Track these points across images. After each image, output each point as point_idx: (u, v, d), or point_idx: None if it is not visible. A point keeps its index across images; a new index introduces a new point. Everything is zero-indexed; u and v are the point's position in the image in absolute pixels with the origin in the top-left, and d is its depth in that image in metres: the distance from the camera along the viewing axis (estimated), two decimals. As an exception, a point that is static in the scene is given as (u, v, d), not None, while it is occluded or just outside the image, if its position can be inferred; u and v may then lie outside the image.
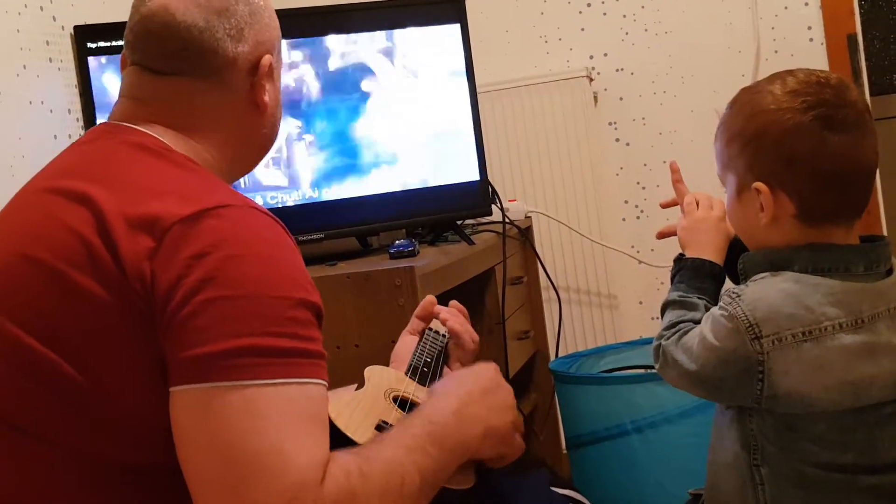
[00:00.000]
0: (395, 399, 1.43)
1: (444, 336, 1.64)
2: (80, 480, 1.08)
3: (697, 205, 1.57)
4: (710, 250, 1.50)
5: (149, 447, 1.07)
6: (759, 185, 1.36)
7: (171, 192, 1.11)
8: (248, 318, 1.03)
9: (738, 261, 1.42)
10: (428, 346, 1.59)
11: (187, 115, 1.26)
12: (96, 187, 1.12)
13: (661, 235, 1.66)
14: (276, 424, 1.00)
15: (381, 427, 1.30)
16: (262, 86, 1.30)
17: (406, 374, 1.52)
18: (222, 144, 1.29)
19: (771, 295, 1.32)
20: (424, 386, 1.51)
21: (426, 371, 1.54)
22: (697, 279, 1.44)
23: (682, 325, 1.41)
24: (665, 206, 1.67)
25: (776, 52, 3.13)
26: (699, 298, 1.44)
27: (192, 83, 1.27)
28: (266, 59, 1.30)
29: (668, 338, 1.41)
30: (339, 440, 1.22)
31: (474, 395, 1.28)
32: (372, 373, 1.48)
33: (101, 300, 1.05)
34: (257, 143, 1.36)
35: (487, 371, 1.35)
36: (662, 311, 1.48)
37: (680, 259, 1.52)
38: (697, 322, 1.39)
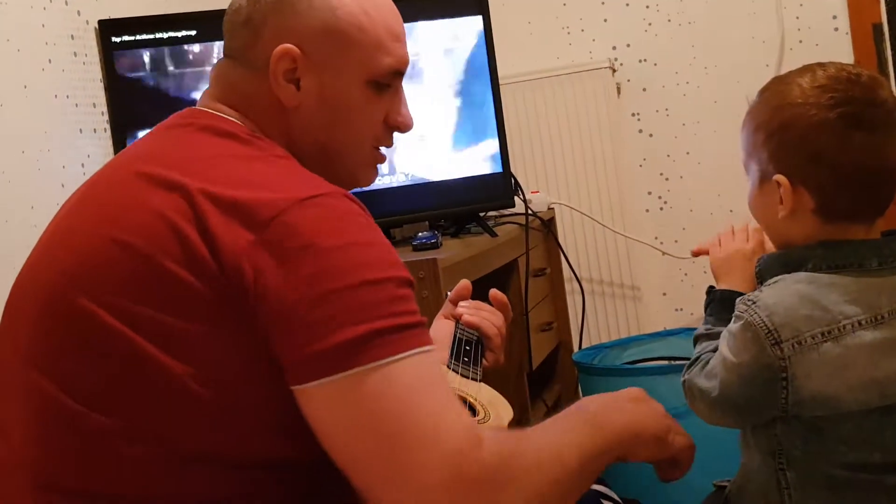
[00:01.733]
0: None
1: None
2: (168, 473, 1.08)
3: (733, 233, 1.57)
4: (742, 282, 1.48)
5: (245, 441, 1.08)
6: (779, 177, 1.35)
7: (264, 183, 1.10)
8: (365, 304, 1.04)
9: (755, 266, 1.42)
10: (464, 334, 1.59)
11: (245, 102, 1.26)
12: (187, 175, 1.11)
13: (696, 254, 1.66)
14: (421, 393, 1.02)
15: None
16: (279, 79, 1.22)
17: (448, 366, 1.52)
18: (277, 137, 1.26)
19: (786, 298, 1.31)
20: (467, 377, 1.50)
21: (467, 361, 1.53)
22: (726, 311, 1.42)
23: (703, 356, 1.40)
24: (697, 254, 1.68)
25: (800, 41, 3.11)
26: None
27: (236, 68, 1.27)
28: (282, 48, 1.21)
29: (691, 371, 1.41)
30: None
31: (630, 398, 1.31)
32: None
33: (197, 291, 1.05)
34: (308, 150, 1.26)
35: (638, 389, 1.36)
36: (694, 344, 1.48)
37: (711, 291, 1.52)
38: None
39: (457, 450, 0.99)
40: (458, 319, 1.62)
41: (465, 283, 1.67)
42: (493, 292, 1.66)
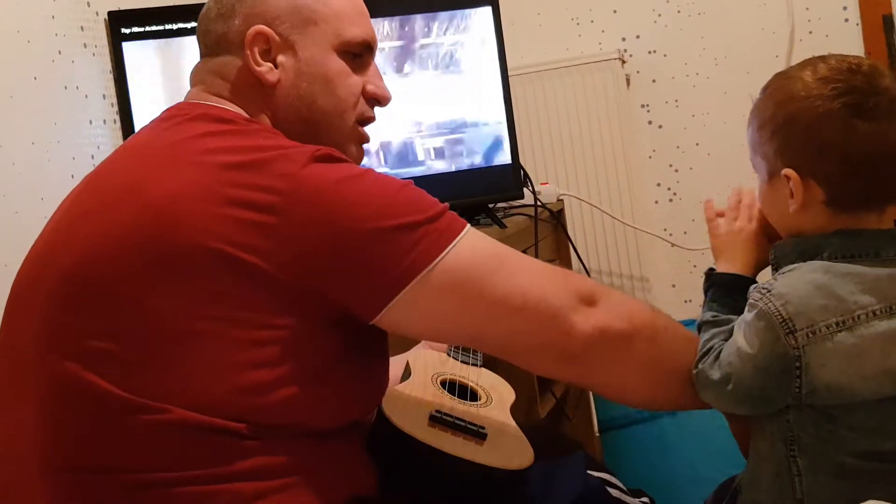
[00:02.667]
0: (443, 384, 1.43)
1: None
2: (182, 442, 1.11)
3: (737, 208, 1.55)
4: (743, 264, 1.48)
5: (232, 405, 1.11)
6: (788, 171, 1.35)
7: (265, 146, 1.18)
8: (398, 210, 1.16)
9: (770, 252, 1.41)
10: None
11: (229, 88, 1.33)
12: (205, 163, 1.16)
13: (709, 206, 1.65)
14: (514, 263, 1.21)
15: (436, 417, 1.30)
16: (256, 58, 1.30)
17: (448, 353, 1.53)
18: (265, 118, 1.33)
19: (801, 288, 1.31)
20: (468, 363, 1.51)
21: (466, 348, 1.54)
22: (730, 296, 1.42)
23: (713, 345, 1.40)
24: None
25: (811, 32, 3.10)
26: (734, 316, 1.43)
27: (214, 60, 1.34)
28: (254, 29, 1.30)
29: (704, 362, 1.40)
30: (395, 438, 1.23)
31: None
32: (416, 360, 1.48)
33: (261, 271, 1.11)
34: (294, 126, 1.33)
35: None
36: (698, 330, 1.47)
37: (710, 274, 1.51)
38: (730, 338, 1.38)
39: (589, 296, 1.22)
40: None
41: None
42: None
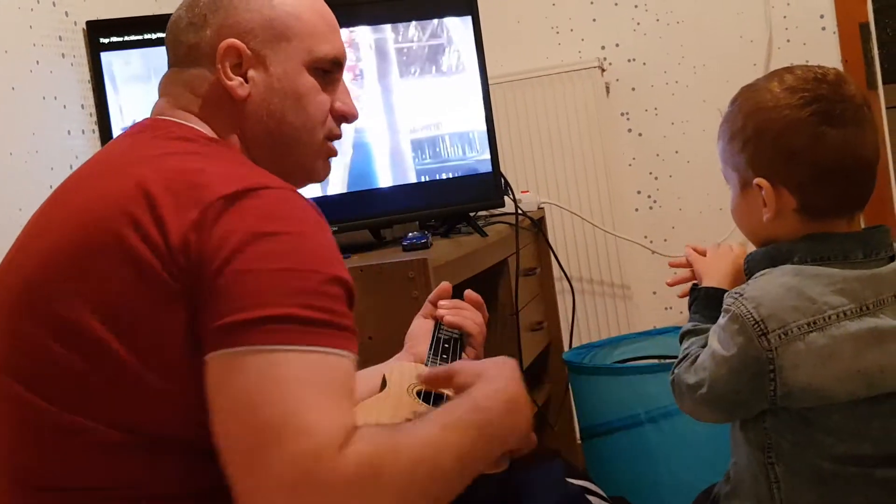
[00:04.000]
0: (418, 394, 1.43)
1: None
2: (116, 455, 1.09)
3: (718, 247, 1.61)
4: (727, 280, 1.51)
5: (188, 423, 1.08)
6: (760, 180, 1.37)
7: (213, 172, 1.13)
8: (279, 288, 1.05)
9: (744, 262, 1.43)
10: (444, 333, 1.60)
11: (198, 102, 1.31)
12: (141, 168, 1.15)
13: (674, 281, 1.67)
14: (296, 390, 1.00)
15: None
16: (227, 72, 1.28)
17: (426, 364, 1.53)
18: (229, 134, 1.31)
19: (773, 290, 1.33)
20: None
21: (445, 358, 1.54)
22: (711, 308, 1.44)
23: (691, 353, 1.42)
24: (674, 266, 1.68)
25: (788, 40, 3.12)
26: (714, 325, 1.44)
27: (184, 72, 1.32)
28: (226, 43, 1.28)
29: (680, 367, 1.42)
30: None
31: (522, 388, 1.25)
32: (391, 373, 1.48)
33: (152, 269, 1.07)
34: (262, 141, 1.31)
35: (514, 364, 1.31)
36: (681, 341, 1.49)
37: (695, 289, 1.54)
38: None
39: (313, 451, 0.96)
40: (438, 319, 1.62)
41: (445, 286, 1.68)
42: (468, 293, 1.67)
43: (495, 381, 1.22)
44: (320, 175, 1.40)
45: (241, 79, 1.29)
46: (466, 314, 1.63)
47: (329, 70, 1.35)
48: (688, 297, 1.55)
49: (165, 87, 1.34)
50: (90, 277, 1.09)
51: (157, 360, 1.08)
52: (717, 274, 1.54)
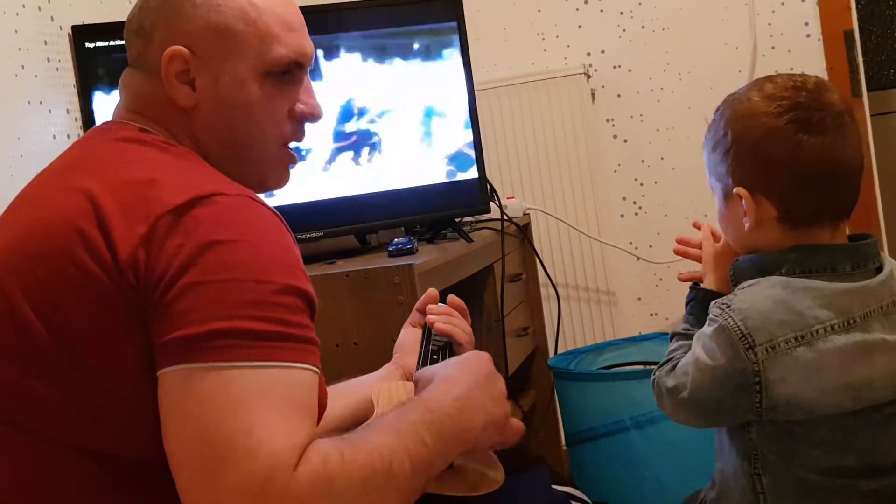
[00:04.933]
0: None
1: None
2: (79, 477, 1.07)
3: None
4: (728, 285, 1.48)
5: (141, 441, 1.06)
6: (739, 189, 1.37)
7: (164, 182, 1.10)
8: (230, 301, 1.02)
9: (730, 269, 1.43)
10: (432, 344, 1.59)
11: (150, 108, 1.27)
12: (91, 179, 1.11)
13: (681, 252, 1.65)
14: (250, 407, 0.98)
15: None
16: (171, 80, 1.23)
17: (414, 380, 1.51)
18: (186, 140, 1.27)
19: (760, 302, 1.32)
20: None
21: None
22: (706, 312, 1.43)
23: (674, 356, 1.41)
24: (682, 242, 1.65)
25: (773, 47, 3.13)
26: None
27: (137, 75, 1.29)
28: (171, 50, 1.23)
29: (661, 370, 1.42)
30: None
31: (478, 382, 1.23)
32: (379, 394, 1.45)
33: (102, 285, 1.04)
34: (215, 150, 1.27)
35: (482, 358, 1.30)
36: (670, 340, 1.48)
37: (695, 288, 1.53)
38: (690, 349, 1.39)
39: (265, 472, 0.95)
40: (426, 326, 1.62)
41: (432, 292, 1.66)
42: (451, 298, 1.66)
43: (446, 381, 1.21)
44: (275, 184, 1.34)
45: (188, 87, 1.24)
46: (456, 322, 1.61)
47: (287, 71, 1.28)
48: (686, 295, 1.54)
49: (123, 88, 1.31)
50: (40, 295, 1.07)
51: (113, 379, 1.05)
52: (720, 275, 1.51)
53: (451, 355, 1.58)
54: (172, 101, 1.25)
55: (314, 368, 1.06)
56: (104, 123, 1.30)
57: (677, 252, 1.64)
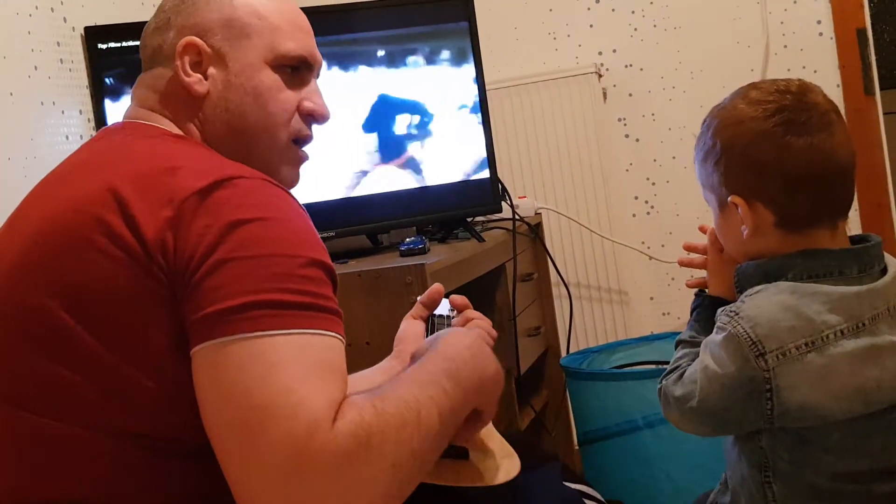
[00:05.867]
0: None
1: (449, 318, 1.63)
2: (117, 459, 1.09)
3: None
4: (732, 289, 1.46)
5: (182, 423, 1.08)
6: (734, 198, 1.36)
7: (184, 168, 1.13)
8: (259, 275, 1.05)
9: (734, 275, 1.42)
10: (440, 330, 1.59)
11: (163, 100, 1.31)
12: (108, 172, 1.14)
13: (686, 262, 1.64)
14: (286, 371, 1.01)
15: None
16: (185, 69, 1.29)
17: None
18: (191, 131, 1.31)
19: (769, 309, 1.31)
20: None
21: None
22: (713, 320, 1.42)
23: (681, 364, 1.40)
24: (689, 249, 1.65)
25: (785, 46, 3.13)
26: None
27: (150, 73, 1.34)
28: (185, 40, 1.29)
29: (668, 378, 1.41)
30: None
31: (479, 338, 1.28)
32: None
33: (129, 270, 1.07)
34: (223, 139, 1.31)
35: (466, 329, 1.35)
36: (676, 347, 1.48)
37: (701, 295, 1.52)
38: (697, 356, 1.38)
39: (305, 429, 0.98)
40: (430, 319, 1.62)
41: (437, 287, 1.66)
42: (453, 298, 1.66)
43: (452, 334, 1.26)
44: (286, 182, 1.37)
45: (199, 76, 1.29)
46: (480, 324, 1.61)
47: (296, 67, 1.34)
48: (692, 302, 1.53)
49: (134, 91, 1.35)
50: (65, 285, 1.09)
51: (148, 363, 1.08)
52: (726, 283, 1.49)
53: None
54: (185, 90, 1.29)
55: (341, 337, 1.09)
56: (114, 124, 1.34)
57: (682, 263, 1.64)
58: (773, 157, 1.33)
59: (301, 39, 1.34)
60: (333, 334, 1.08)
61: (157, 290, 1.06)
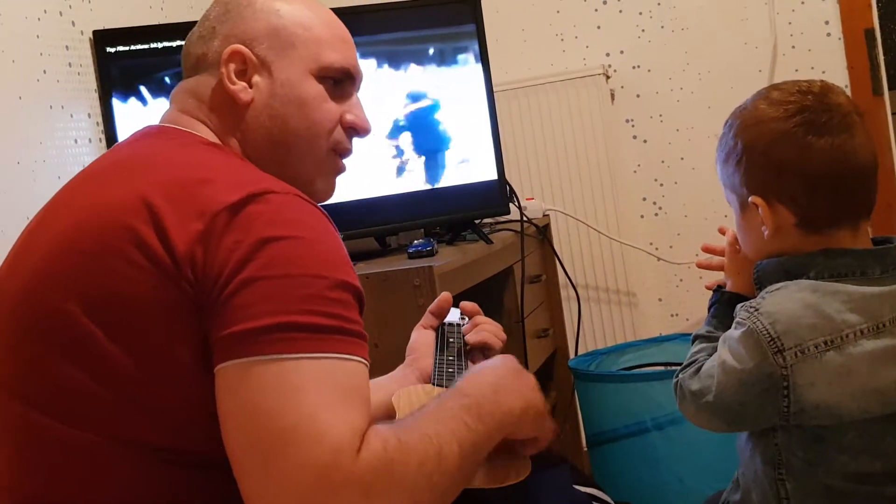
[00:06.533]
0: None
1: (459, 326, 1.63)
2: (138, 470, 1.09)
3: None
4: (751, 287, 1.46)
5: (197, 435, 1.08)
6: (755, 198, 1.36)
7: (217, 180, 1.12)
8: (287, 296, 1.04)
9: (754, 271, 1.41)
10: (448, 344, 1.59)
11: (204, 107, 1.31)
12: (141, 179, 1.13)
13: (705, 265, 1.64)
14: (311, 396, 1.01)
15: None
16: (230, 76, 1.29)
17: (433, 383, 1.51)
18: (230, 139, 1.30)
19: (790, 306, 1.31)
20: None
21: (451, 372, 1.53)
22: (730, 316, 1.42)
23: (698, 358, 1.40)
24: (707, 251, 1.64)
25: (793, 47, 3.12)
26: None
27: (192, 80, 1.34)
28: (231, 48, 1.29)
29: (684, 373, 1.41)
30: None
31: (508, 372, 1.27)
32: (399, 399, 1.46)
33: (157, 281, 1.06)
34: (263, 148, 1.30)
35: (507, 358, 1.33)
36: (693, 342, 1.47)
37: (719, 290, 1.52)
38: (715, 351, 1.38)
39: (329, 456, 0.98)
40: (439, 328, 1.62)
41: (445, 296, 1.66)
42: (464, 305, 1.66)
43: (477, 373, 1.25)
44: (322, 192, 1.37)
45: (244, 84, 1.29)
46: (488, 328, 1.62)
47: (339, 79, 1.34)
48: (709, 298, 1.53)
49: (174, 97, 1.35)
50: (90, 292, 1.08)
51: (168, 374, 1.07)
52: (744, 279, 1.49)
53: (467, 357, 1.58)
54: (229, 97, 1.29)
55: (366, 361, 1.09)
56: (150, 126, 1.33)
57: (700, 265, 1.64)
58: (793, 158, 1.33)
59: (345, 51, 1.35)
60: (359, 359, 1.07)
61: (184, 303, 1.06)
